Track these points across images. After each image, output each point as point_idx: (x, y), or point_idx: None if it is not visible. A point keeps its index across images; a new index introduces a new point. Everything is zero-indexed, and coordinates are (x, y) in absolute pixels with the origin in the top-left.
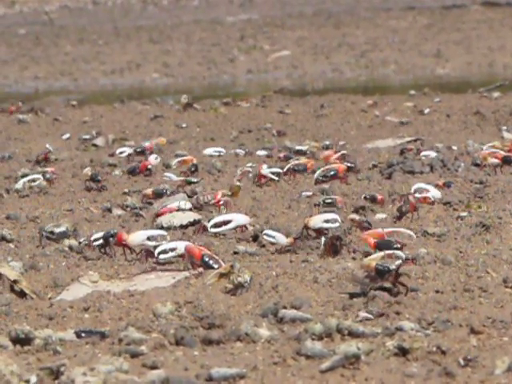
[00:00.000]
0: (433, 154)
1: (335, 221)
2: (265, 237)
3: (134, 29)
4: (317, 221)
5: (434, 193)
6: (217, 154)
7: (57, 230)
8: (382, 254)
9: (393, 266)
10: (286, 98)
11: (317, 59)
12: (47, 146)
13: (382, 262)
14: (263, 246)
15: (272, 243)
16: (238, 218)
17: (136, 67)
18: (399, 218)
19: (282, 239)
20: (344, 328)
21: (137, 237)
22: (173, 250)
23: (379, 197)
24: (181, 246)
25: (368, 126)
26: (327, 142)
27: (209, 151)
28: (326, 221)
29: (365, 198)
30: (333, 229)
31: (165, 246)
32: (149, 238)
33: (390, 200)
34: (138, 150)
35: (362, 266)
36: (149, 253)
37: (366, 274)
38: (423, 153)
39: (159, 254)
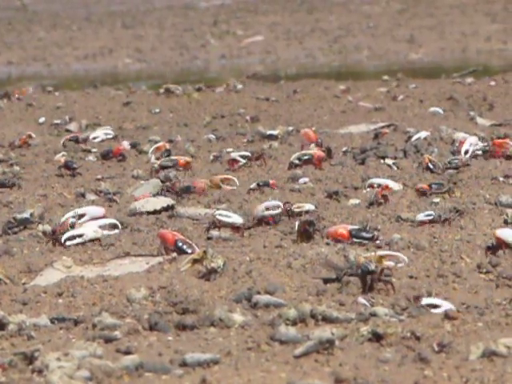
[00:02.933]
0: (423, 134)
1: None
2: (218, 217)
3: (107, 14)
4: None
5: (392, 185)
6: (105, 136)
7: (19, 217)
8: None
9: (372, 267)
10: (259, 83)
11: (290, 44)
12: (31, 133)
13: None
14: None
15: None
16: (87, 233)
17: (109, 52)
18: (371, 203)
19: (238, 220)
20: (318, 313)
21: (88, 227)
22: (80, 236)
23: None
24: (88, 231)
25: (341, 111)
26: (290, 128)
27: (98, 133)
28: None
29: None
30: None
31: (72, 232)
32: (100, 227)
33: (363, 186)
34: (82, 138)
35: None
36: (57, 239)
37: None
38: (415, 136)
39: (66, 240)
